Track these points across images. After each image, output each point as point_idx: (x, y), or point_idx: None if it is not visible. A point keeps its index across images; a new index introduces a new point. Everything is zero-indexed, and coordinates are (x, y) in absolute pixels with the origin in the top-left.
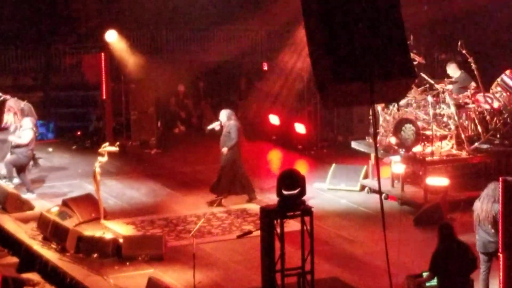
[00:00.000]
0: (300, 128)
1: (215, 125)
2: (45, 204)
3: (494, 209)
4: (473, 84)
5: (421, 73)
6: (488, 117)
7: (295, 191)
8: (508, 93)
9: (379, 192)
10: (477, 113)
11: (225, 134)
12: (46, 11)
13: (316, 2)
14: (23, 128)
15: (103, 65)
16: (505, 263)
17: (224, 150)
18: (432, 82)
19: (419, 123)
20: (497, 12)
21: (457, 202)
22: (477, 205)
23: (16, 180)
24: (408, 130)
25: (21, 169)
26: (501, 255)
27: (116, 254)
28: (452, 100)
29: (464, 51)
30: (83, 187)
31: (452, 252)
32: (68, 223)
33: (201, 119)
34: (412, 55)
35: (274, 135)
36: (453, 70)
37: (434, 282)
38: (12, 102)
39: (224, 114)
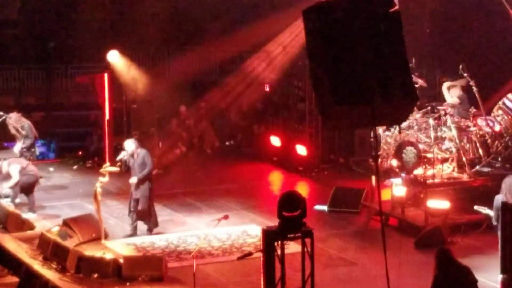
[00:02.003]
0: (301, 149)
1: (123, 156)
2: (45, 223)
3: None
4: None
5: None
6: (489, 140)
7: (296, 213)
8: (509, 116)
9: (380, 214)
10: (478, 136)
11: (139, 163)
12: (49, 31)
13: (318, 26)
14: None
15: (106, 85)
16: (504, 286)
17: (134, 180)
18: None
19: (421, 146)
20: (499, 36)
21: (458, 225)
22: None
23: (18, 200)
24: (410, 153)
25: (30, 188)
26: (500, 278)
27: (116, 274)
28: (453, 123)
29: (465, 74)
30: (83, 207)
31: (452, 276)
32: (69, 243)
33: (202, 140)
34: (414, 77)
35: (275, 156)
36: (456, 92)
37: None
38: (13, 119)
39: (131, 143)
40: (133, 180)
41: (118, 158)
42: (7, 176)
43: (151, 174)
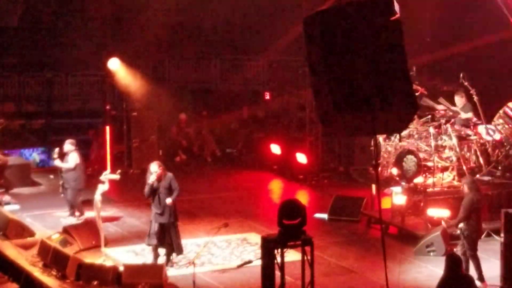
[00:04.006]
0: (301, 158)
1: (152, 180)
2: (45, 231)
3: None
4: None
5: (425, 99)
6: (489, 149)
7: (296, 221)
8: (510, 125)
9: (380, 223)
10: (478, 145)
11: (166, 187)
12: (49, 39)
13: (319, 33)
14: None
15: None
16: None
17: (169, 201)
18: (450, 108)
19: (421, 154)
20: (500, 45)
21: (458, 234)
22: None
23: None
24: (410, 161)
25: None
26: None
27: (116, 282)
28: (453, 132)
29: (466, 83)
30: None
31: (457, 283)
32: (69, 250)
33: (203, 148)
34: (414, 86)
35: (275, 164)
36: (459, 101)
37: None
38: None
39: (157, 166)
40: (169, 200)
41: (150, 182)
42: (64, 158)
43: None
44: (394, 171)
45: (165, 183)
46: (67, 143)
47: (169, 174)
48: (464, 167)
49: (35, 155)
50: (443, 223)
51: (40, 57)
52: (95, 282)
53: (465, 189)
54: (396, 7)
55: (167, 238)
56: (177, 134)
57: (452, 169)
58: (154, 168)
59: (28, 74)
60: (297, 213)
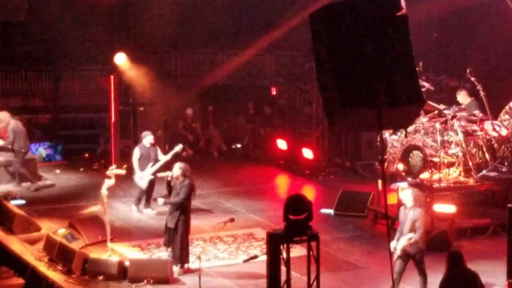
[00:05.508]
0: (307, 153)
1: (169, 175)
2: (51, 225)
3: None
4: (477, 112)
5: (429, 102)
6: (496, 145)
7: (302, 216)
8: None
9: (386, 218)
10: (485, 140)
11: (178, 191)
12: (56, 33)
13: (326, 29)
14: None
15: (112, 88)
16: None
17: (160, 201)
18: (441, 108)
19: (427, 150)
20: (507, 40)
21: (464, 230)
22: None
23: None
24: (416, 157)
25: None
26: (507, 283)
27: (122, 276)
28: (460, 127)
29: (472, 79)
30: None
31: (460, 280)
32: (75, 245)
33: (209, 143)
34: (420, 81)
35: (282, 160)
36: (462, 97)
37: None
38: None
39: (178, 169)
40: (160, 200)
41: (161, 174)
42: (155, 157)
43: (186, 204)
44: (400, 166)
45: (178, 189)
46: (150, 135)
47: (185, 182)
48: (470, 163)
49: (41, 150)
50: (405, 241)
51: (47, 52)
52: (101, 277)
53: (417, 203)
54: (402, 2)
55: (173, 246)
56: (183, 129)
57: (458, 165)
58: (176, 169)
59: (35, 68)
60: (303, 208)
